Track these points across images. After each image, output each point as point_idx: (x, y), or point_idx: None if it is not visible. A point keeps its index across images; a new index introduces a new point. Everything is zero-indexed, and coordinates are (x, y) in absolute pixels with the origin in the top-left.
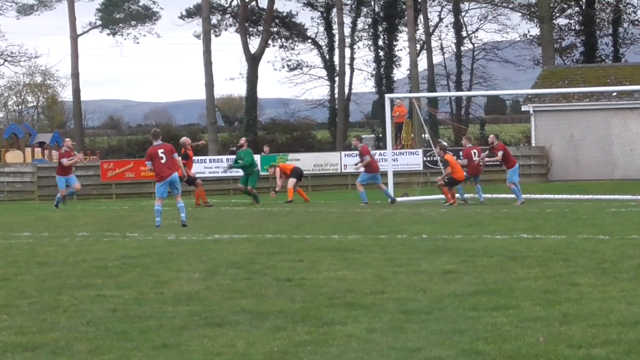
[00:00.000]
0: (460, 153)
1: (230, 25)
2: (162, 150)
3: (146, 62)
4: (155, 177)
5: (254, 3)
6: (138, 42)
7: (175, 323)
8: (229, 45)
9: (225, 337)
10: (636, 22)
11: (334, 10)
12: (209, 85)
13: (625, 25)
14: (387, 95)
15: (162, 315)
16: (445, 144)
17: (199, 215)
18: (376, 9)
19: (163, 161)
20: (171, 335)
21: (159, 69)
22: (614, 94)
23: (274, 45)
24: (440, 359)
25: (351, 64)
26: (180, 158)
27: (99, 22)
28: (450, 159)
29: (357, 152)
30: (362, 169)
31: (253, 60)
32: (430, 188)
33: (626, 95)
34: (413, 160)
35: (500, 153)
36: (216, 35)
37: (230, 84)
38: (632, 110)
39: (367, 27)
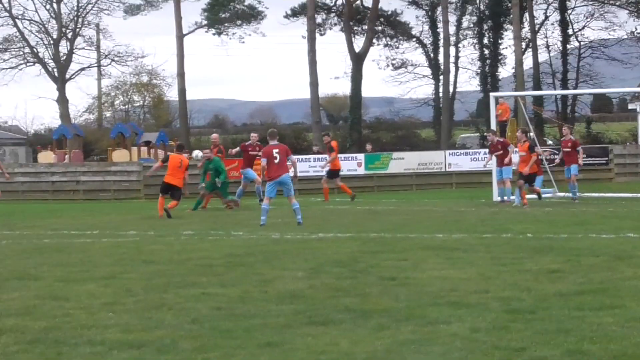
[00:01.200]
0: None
1: (335, 24)
2: (277, 150)
3: (251, 62)
4: (266, 176)
5: (358, 2)
6: (243, 42)
7: (279, 321)
8: (333, 44)
9: (328, 335)
10: None
11: (439, 8)
12: (314, 84)
13: None
14: (492, 94)
15: (266, 314)
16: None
17: (304, 214)
18: (481, 7)
19: (276, 161)
20: (275, 333)
21: (264, 68)
22: None
23: (378, 44)
24: (545, 359)
25: (456, 63)
26: (294, 158)
27: (204, 22)
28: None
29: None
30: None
31: (357, 59)
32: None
33: None
34: (516, 158)
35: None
36: (321, 34)
37: (335, 82)
38: None
39: (472, 25)
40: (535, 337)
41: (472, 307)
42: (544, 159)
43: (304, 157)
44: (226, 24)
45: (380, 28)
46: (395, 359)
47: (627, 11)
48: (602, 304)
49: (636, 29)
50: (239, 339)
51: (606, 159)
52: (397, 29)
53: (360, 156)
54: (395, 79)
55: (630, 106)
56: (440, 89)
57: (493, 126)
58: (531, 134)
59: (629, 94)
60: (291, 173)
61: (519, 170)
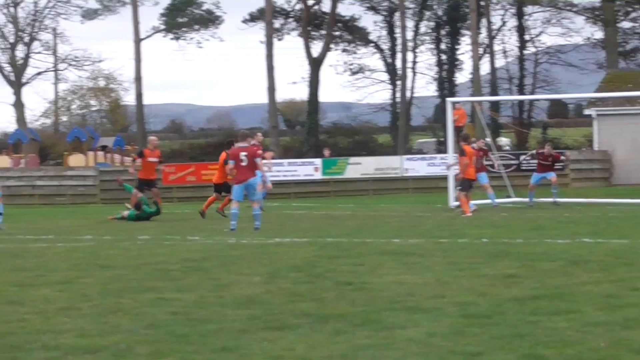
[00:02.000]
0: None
1: (293, 29)
2: (244, 153)
3: (209, 66)
4: (235, 179)
5: (316, 7)
6: (201, 47)
7: (236, 326)
8: (291, 49)
9: (285, 340)
10: None
11: (397, 14)
12: (271, 89)
13: None
14: (448, 99)
15: (222, 319)
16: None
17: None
18: (439, 13)
19: (243, 164)
20: (231, 338)
21: (222, 73)
22: None
23: (336, 49)
24: None
25: (413, 68)
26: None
27: (162, 27)
28: (469, 150)
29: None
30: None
31: (315, 64)
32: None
33: None
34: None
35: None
36: (279, 40)
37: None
38: None
39: (429, 30)
40: (491, 342)
41: (428, 312)
42: (495, 164)
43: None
44: (184, 29)
45: (338, 33)
46: None
47: (583, 17)
48: (558, 309)
49: (592, 35)
50: (195, 344)
51: (562, 164)
52: (355, 34)
53: (318, 161)
54: (352, 84)
55: (586, 112)
56: (398, 94)
57: (450, 131)
58: (487, 139)
59: (584, 100)
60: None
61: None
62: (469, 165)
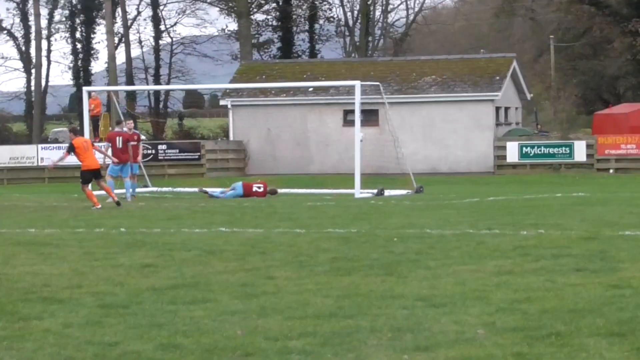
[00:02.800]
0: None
1: None
2: None
3: None
4: None
5: None
6: None
7: None
8: None
9: None
10: (331, 19)
11: (30, 1)
12: None
13: (320, 22)
14: (84, 88)
15: None
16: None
17: None
18: (73, 1)
19: None
20: None
21: None
22: (310, 89)
23: None
24: (138, 353)
25: (48, 56)
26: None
27: None
28: (79, 144)
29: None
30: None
31: None
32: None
33: (322, 90)
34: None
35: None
36: None
37: None
38: (328, 106)
39: (64, 19)
40: (128, 332)
41: (64, 302)
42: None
43: None
44: None
45: None
46: None
47: (217, 9)
48: (195, 298)
49: (227, 27)
50: None
51: (198, 154)
52: None
53: None
54: None
55: (221, 102)
56: (32, 83)
57: (86, 120)
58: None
59: (220, 90)
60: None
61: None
62: (88, 157)
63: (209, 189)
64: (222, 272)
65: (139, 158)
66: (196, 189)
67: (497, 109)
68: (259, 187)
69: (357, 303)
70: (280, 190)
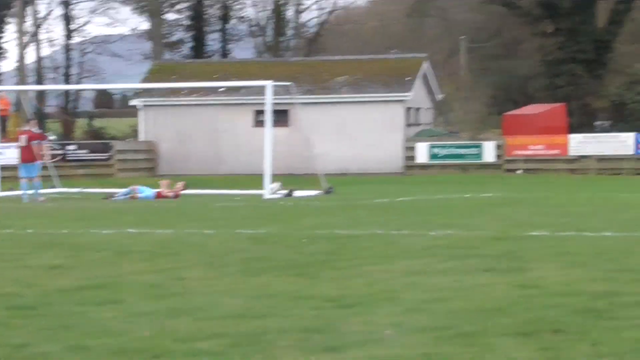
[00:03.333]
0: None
1: None
2: None
3: None
4: None
5: None
6: None
7: None
8: None
9: None
10: (243, 19)
11: None
12: None
13: (233, 21)
14: None
15: None
16: None
17: None
18: None
19: None
20: None
21: None
22: (222, 89)
23: None
24: (47, 355)
25: None
26: None
27: None
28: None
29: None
30: None
31: None
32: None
33: (233, 91)
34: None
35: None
36: None
37: None
38: (239, 106)
39: None
40: (37, 333)
41: None
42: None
43: None
44: None
45: None
46: None
47: (129, 8)
48: (103, 299)
49: (138, 26)
50: None
51: (108, 154)
52: None
53: None
54: None
55: (132, 102)
56: None
57: None
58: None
59: (130, 90)
60: None
61: None
62: None
63: (114, 193)
64: (131, 273)
65: (44, 158)
66: (105, 192)
67: (408, 109)
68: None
69: (266, 304)
70: (190, 191)
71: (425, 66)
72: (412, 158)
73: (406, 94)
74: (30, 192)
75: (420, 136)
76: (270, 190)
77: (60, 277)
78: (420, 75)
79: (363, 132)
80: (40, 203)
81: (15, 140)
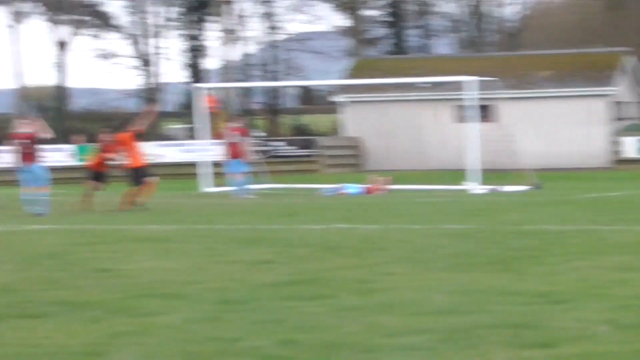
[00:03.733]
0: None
1: (40, 14)
2: None
3: None
4: None
5: None
6: None
7: None
8: (38, 33)
9: (42, 328)
10: (443, 14)
11: None
12: (18, 74)
13: (433, 17)
14: (198, 86)
15: None
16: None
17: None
18: None
19: None
20: None
21: None
22: (427, 85)
23: (85, 34)
24: (258, 349)
25: (163, 54)
26: None
27: None
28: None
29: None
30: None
31: (62, 49)
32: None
33: (436, 86)
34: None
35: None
36: (24, 24)
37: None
38: (442, 102)
39: (179, 16)
40: (248, 327)
41: (185, 298)
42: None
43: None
44: None
45: (86, 18)
46: (110, 351)
47: (329, 5)
48: (313, 294)
49: (338, 23)
50: None
51: (313, 151)
52: (103, 19)
53: (69, 147)
54: (102, 70)
55: (335, 99)
56: (148, 80)
57: (201, 118)
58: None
59: (334, 87)
60: None
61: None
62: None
63: (322, 188)
64: (340, 268)
65: (249, 155)
66: (314, 187)
67: (613, 103)
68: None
69: (475, 299)
70: (395, 187)
71: (630, 60)
72: (618, 153)
73: (610, 88)
74: (240, 188)
75: (628, 130)
76: (469, 186)
77: (270, 272)
78: (624, 69)
79: (566, 127)
80: (249, 199)
81: (222, 137)
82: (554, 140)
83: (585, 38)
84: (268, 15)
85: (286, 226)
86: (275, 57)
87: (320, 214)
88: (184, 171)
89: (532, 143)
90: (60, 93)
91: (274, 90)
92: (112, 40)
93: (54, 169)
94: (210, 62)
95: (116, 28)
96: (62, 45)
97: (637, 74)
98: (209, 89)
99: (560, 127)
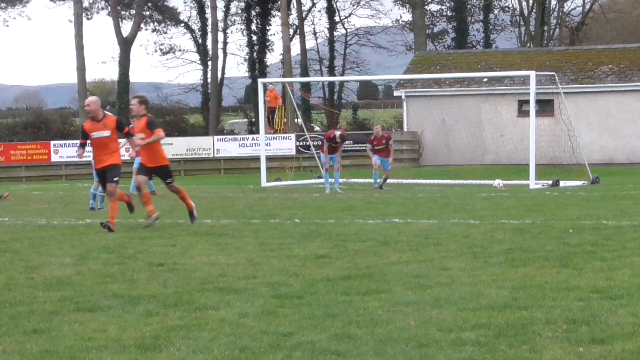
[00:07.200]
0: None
1: (103, 9)
2: None
3: (17, 45)
4: None
5: None
6: (8, 25)
7: (46, 308)
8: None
9: (96, 322)
10: (506, 9)
11: None
12: (81, 68)
13: (495, 11)
14: (259, 80)
15: (32, 301)
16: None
17: (70, 200)
18: None
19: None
20: (42, 320)
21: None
22: (485, 79)
23: (146, 29)
24: (313, 343)
25: (224, 49)
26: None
27: None
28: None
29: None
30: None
31: (125, 44)
32: (302, 173)
33: (496, 81)
34: (286, 145)
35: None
36: (88, 19)
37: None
38: (502, 96)
39: (240, 11)
40: (303, 322)
41: (240, 292)
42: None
43: (71, 142)
44: None
45: (148, 13)
46: (164, 344)
47: (391, 0)
48: (368, 289)
49: (401, 17)
50: (4, 326)
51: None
52: (165, 14)
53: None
54: (163, 64)
55: (395, 93)
56: (209, 75)
57: (261, 112)
58: (299, 120)
59: (394, 81)
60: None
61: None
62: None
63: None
64: (395, 263)
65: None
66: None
67: None
68: None
69: (531, 294)
70: (452, 182)
71: None
72: None
73: None
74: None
75: None
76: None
77: (326, 267)
78: None
79: (629, 122)
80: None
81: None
82: (617, 134)
83: None
84: (330, 10)
85: (342, 221)
86: (336, 51)
87: (376, 209)
88: (243, 165)
89: (594, 138)
90: (123, 88)
91: (334, 84)
92: (174, 35)
93: None
94: (272, 57)
95: (178, 23)
96: (125, 40)
97: None
98: (270, 83)
99: (623, 122)
